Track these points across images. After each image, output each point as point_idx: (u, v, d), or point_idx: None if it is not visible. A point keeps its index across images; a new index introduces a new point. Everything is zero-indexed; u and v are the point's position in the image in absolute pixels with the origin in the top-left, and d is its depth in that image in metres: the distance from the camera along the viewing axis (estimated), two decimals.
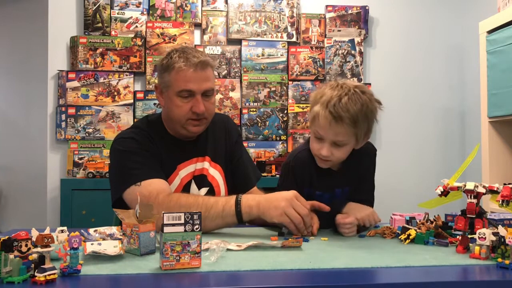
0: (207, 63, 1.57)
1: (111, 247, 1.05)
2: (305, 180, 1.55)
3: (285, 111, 3.40)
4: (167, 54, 1.61)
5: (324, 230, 1.44)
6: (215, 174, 1.70)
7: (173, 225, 0.97)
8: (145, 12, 3.33)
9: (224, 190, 1.72)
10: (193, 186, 1.64)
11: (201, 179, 1.66)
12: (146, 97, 3.27)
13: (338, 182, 1.56)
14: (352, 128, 1.40)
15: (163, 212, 0.98)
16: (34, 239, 0.92)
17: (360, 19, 3.50)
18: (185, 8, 3.37)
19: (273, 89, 3.40)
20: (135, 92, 3.28)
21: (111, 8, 3.29)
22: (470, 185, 1.19)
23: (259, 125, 3.38)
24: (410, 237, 1.27)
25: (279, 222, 1.35)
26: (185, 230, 0.98)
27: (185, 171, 1.63)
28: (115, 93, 3.25)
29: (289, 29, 3.43)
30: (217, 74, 3.33)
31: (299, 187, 1.54)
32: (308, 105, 3.23)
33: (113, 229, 1.19)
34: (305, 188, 1.55)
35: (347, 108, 1.37)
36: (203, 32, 3.38)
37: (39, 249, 0.89)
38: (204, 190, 1.66)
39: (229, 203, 1.39)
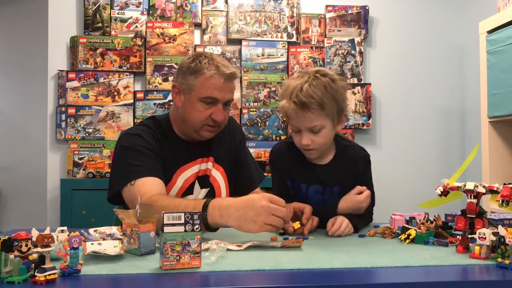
0: (236, 75, 1.61)
1: (111, 247, 1.05)
2: (285, 172, 1.59)
3: None
4: (193, 57, 1.59)
5: (323, 230, 1.44)
6: (217, 175, 1.69)
7: (173, 225, 0.98)
8: (145, 12, 3.32)
9: (226, 191, 1.71)
10: (197, 187, 1.64)
11: (204, 180, 1.66)
12: (146, 97, 3.27)
13: (325, 178, 1.56)
14: (321, 111, 1.44)
15: (163, 212, 0.99)
16: (34, 239, 0.92)
17: (360, 19, 3.50)
18: (185, 8, 3.37)
19: (273, 89, 3.40)
20: (135, 92, 3.27)
21: (111, 8, 3.29)
22: (470, 185, 1.19)
23: (259, 125, 3.38)
24: (410, 237, 1.27)
25: (259, 232, 1.25)
26: (185, 230, 0.98)
27: (189, 171, 1.63)
28: (115, 93, 3.25)
29: (289, 29, 3.43)
30: None
31: (281, 179, 1.58)
32: None
33: (113, 229, 1.19)
34: (287, 180, 1.59)
35: (310, 94, 1.42)
36: (203, 32, 3.38)
37: (39, 249, 0.89)
38: (204, 191, 1.65)
39: (197, 210, 1.25)
